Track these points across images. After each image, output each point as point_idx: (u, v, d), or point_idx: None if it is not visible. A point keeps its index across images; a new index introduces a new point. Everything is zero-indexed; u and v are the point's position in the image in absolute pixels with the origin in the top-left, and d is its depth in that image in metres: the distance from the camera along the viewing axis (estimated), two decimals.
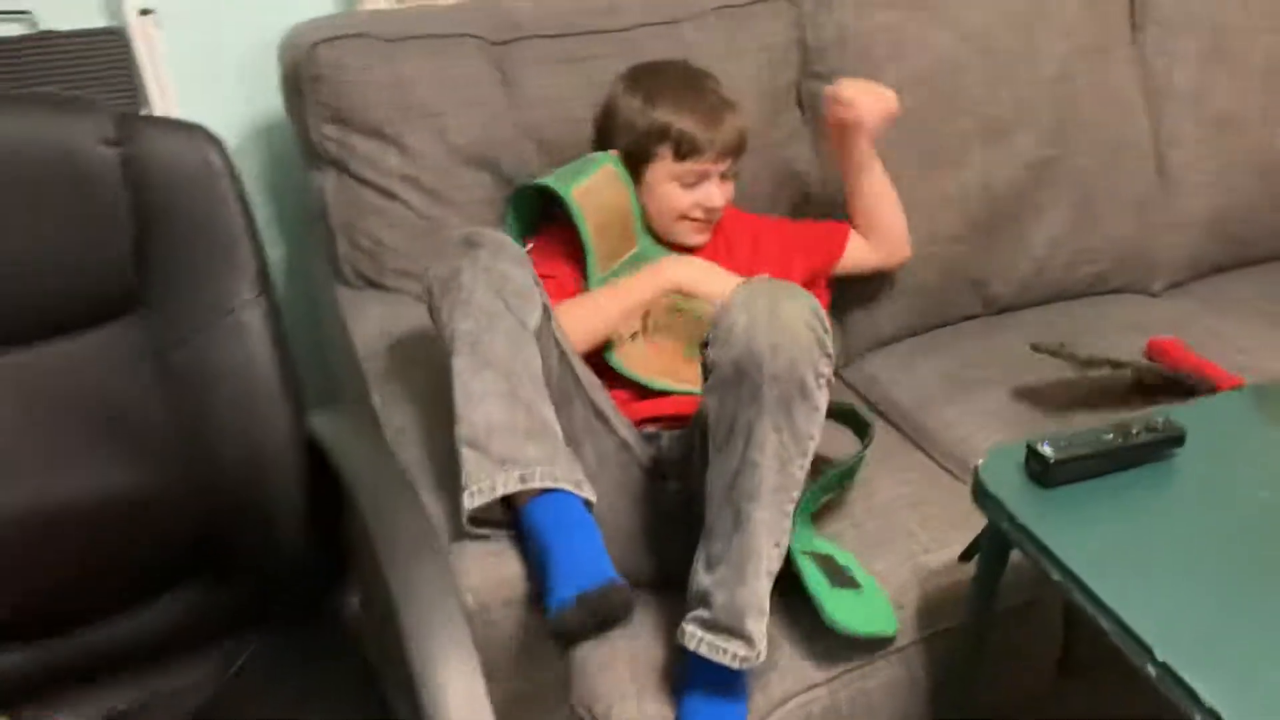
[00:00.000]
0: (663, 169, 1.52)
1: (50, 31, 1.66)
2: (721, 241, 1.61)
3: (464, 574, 1.13)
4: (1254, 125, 1.98)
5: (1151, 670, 0.93)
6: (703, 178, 1.52)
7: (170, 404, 1.17)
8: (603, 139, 1.58)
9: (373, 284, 1.59)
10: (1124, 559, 1.02)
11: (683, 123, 1.50)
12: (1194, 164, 1.97)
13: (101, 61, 1.67)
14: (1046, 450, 1.09)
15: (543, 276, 1.36)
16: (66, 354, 1.14)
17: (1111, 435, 1.11)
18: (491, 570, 1.13)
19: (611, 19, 1.67)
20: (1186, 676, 0.90)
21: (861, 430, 1.45)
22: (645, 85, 1.54)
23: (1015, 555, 1.13)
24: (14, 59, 1.64)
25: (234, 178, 1.17)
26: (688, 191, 1.53)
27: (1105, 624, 0.98)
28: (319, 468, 1.21)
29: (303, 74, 1.54)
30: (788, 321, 1.12)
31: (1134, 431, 1.12)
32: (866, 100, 1.54)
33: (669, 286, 1.46)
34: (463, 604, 1.06)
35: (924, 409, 1.68)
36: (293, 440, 1.20)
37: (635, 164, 1.54)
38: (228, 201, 1.17)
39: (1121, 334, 1.77)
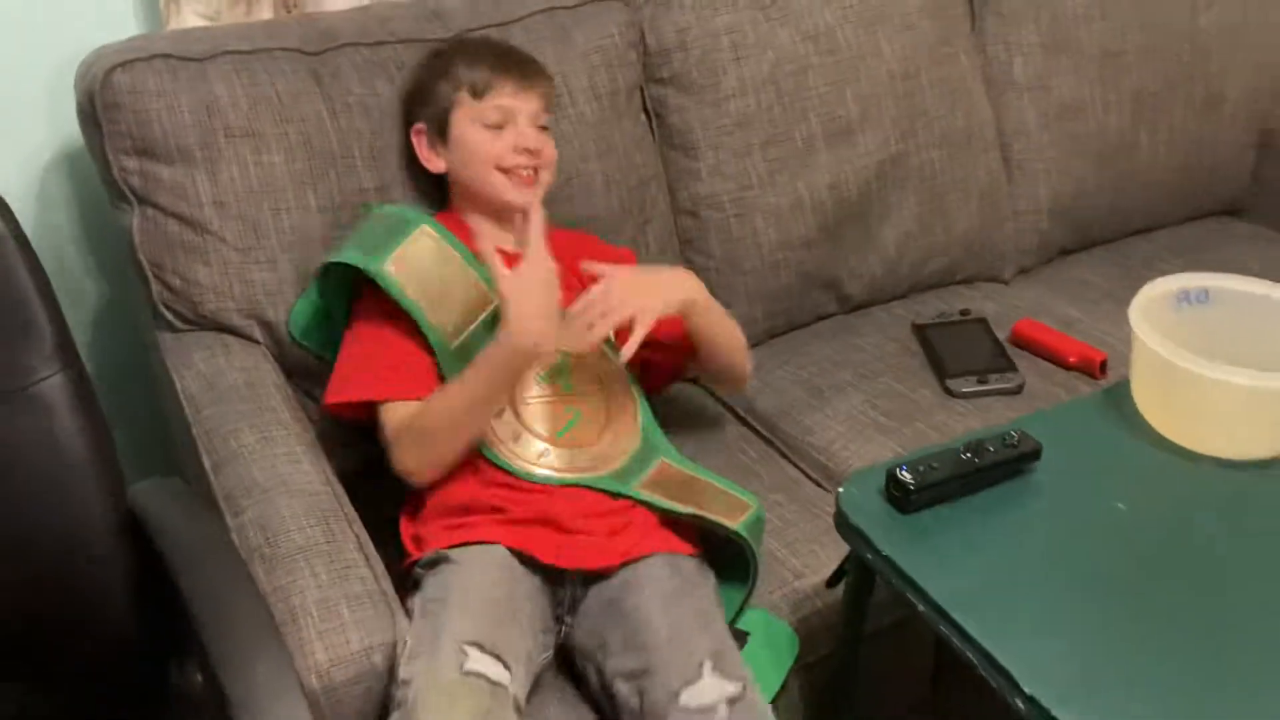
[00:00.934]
0: (464, 115, 1.42)
1: None
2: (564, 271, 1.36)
3: (307, 653, 1.05)
4: (1093, 112, 2.00)
5: (1019, 704, 0.91)
6: (509, 116, 1.41)
7: None
8: (408, 117, 1.49)
9: (193, 325, 1.48)
10: (987, 586, 1.00)
11: (475, 61, 1.43)
12: (1037, 152, 1.98)
13: None
14: (906, 477, 1.06)
15: (390, 368, 1.31)
16: None
17: (969, 455, 1.10)
18: (336, 647, 1.06)
19: (436, 25, 1.59)
20: (1053, 709, 0.89)
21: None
22: (440, 49, 1.49)
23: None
24: None
25: (22, 243, 1.06)
26: (496, 135, 1.41)
27: (971, 656, 0.96)
28: (148, 542, 1.12)
29: (98, 103, 1.42)
30: None
31: (991, 449, 1.10)
32: (636, 297, 1.34)
33: (526, 351, 1.27)
34: (305, 690, 0.98)
35: (785, 416, 1.66)
36: (110, 519, 1.10)
37: (441, 128, 1.44)
38: (16, 270, 1.06)
39: None
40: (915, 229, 1.88)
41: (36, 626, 1.10)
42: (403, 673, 1.06)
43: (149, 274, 1.46)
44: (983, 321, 1.80)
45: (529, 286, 1.25)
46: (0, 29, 1.58)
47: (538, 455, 1.32)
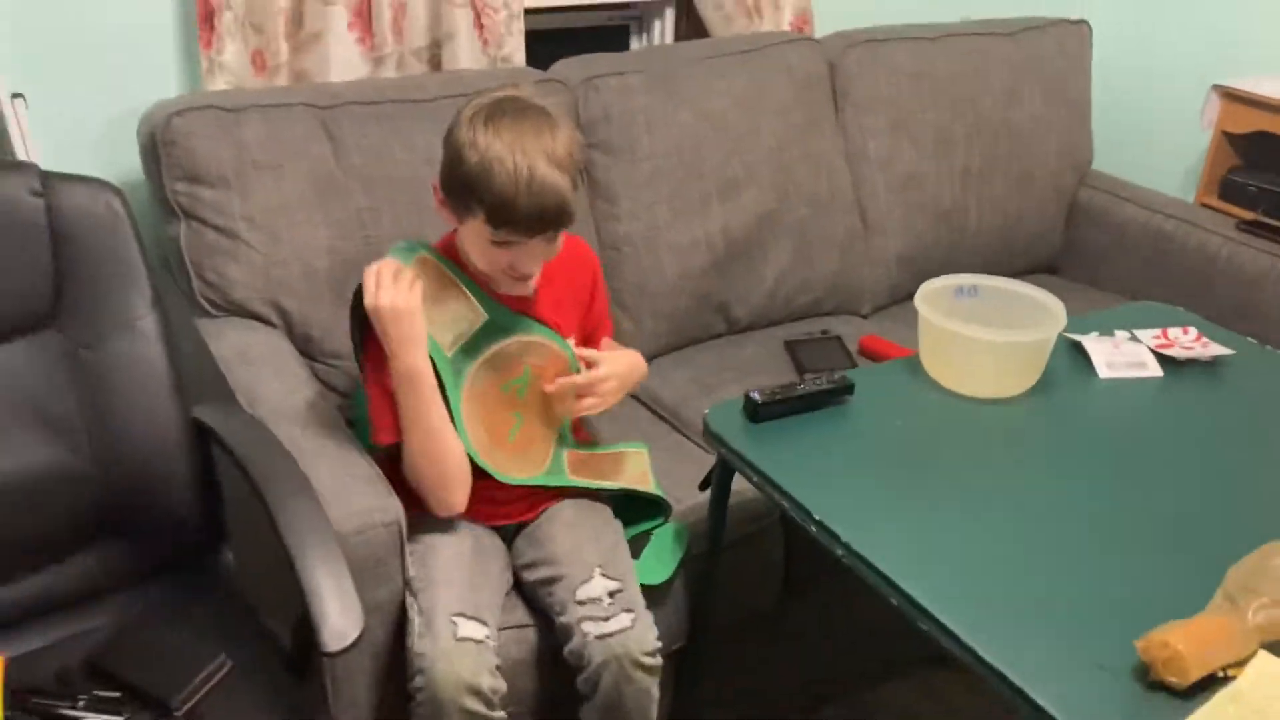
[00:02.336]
0: (476, 227, 1.51)
1: None
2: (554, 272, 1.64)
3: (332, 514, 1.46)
4: (929, 182, 2.53)
5: (812, 528, 1.36)
6: (517, 244, 1.52)
7: (83, 396, 1.47)
8: (442, 172, 1.56)
9: (224, 311, 1.90)
10: (806, 466, 1.46)
11: (497, 189, 1.45)
12: (886, 213, 2.50)
13: None
14: (755, 396, 1.52)
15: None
16: (3, 357, 1.43)
17: (802, 385, 1.56)
18: (348, 509, 1.48)
19: (418, 92, 2.06)
20: (833, 526, 1.33)
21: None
22: (475, 131, 1.48)
23: (743, 493, 1.55)
24: None
25: (132, 220, 1.50)
26: (503, 251, 1.53)
27: (787, 505, 1.40)
28: (203, 449, 1.53)
29: (159, 140, 1.86)
30: None
31: (818, 383, 1.57)
32: (619, 393, 1.70)
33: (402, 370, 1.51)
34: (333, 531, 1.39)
35: (682, 404, 2.12)
36: (181, 424, 1.52)
37: (458, 210, 1.54)
38: (128, 238, 1.49)
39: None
40: (789, 268, 2.37)
41: (127, 502, 1.50)
42: (415, 647, 1.47)
43: (191, 271, 1.89)
44: (838, 339, 2.28)
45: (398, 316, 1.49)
46: (71, 86, 2.03)
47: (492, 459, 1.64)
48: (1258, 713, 1.10)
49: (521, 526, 1.71)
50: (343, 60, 2.13)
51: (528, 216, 1.47)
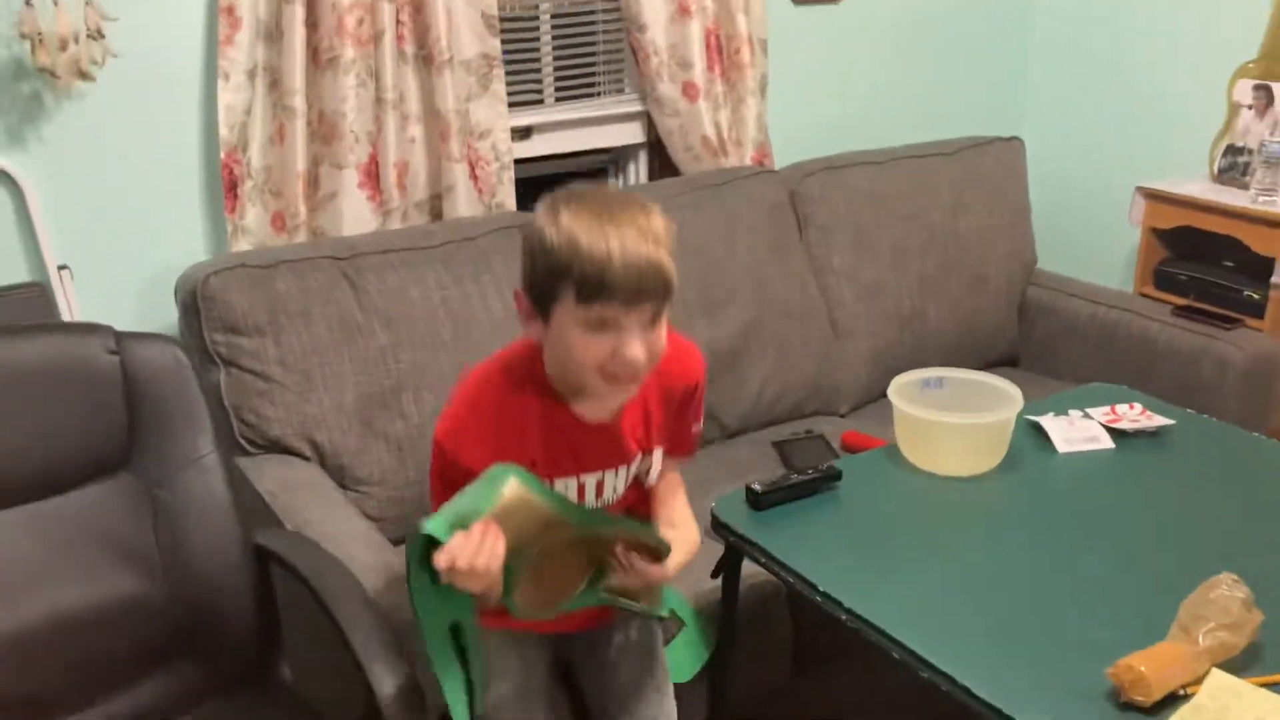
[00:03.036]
0: (567, 313, 1.34)
1: None
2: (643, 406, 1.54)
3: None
4: (890, 290, 2.77)
5: (818, 598, 1.53)
6: (615, 325, 1.34)
7: (156, 530, 1.64)
8: (525, 270, 1.42)
9: (262, 450, 2.08)
10: (806, 545, 1.64)
11: (585, 258, 1.30)
12: (854, 320, 2.73)
13: (31, 307, 2.14)
14: (756, 487, 1.71)
15: None
16: (86, 498, 1.60)
17: (797, 475, 1.75)
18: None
19: (425, 239, 2.28)
20: (836, 595, 1.51)
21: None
22: (557, 213, 1.34)
23: (752, 578, 1.73)
24: None
25: (193, 370, 1.69)
26: (600, 339, 1.35)
27: (793, 580, 1.58)
28: (262, 572, 1.70)
29: (199, 297, 2.07)
30: None
31: (810, 472, 1.76)
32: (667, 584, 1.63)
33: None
34: (390, 630, 1.56)
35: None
36: (244, 550, 1.69)
37: (545, 306, 1.38)
38: (190, 386, 1.68)
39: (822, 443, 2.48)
40: (771, 375, 2.58)
41: (196, 625, 1.66)
42: None
43: (231, 414, 2.07)
44: (821, 436, 2.48)
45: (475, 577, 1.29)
46: (111, 255, 2.24)
47: None
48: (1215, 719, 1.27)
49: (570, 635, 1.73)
50: (355, 216, 2.36)
51: (624, 281, 1.30)
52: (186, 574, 1.65)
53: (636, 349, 1.35)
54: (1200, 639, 1.35)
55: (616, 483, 1.59)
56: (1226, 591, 1.39)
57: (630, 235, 1.31)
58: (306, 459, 2.09)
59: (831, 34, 3.06)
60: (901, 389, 1.90)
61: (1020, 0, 3.36)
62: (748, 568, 1.76)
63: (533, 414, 1.47)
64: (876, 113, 3.17)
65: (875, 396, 2.78)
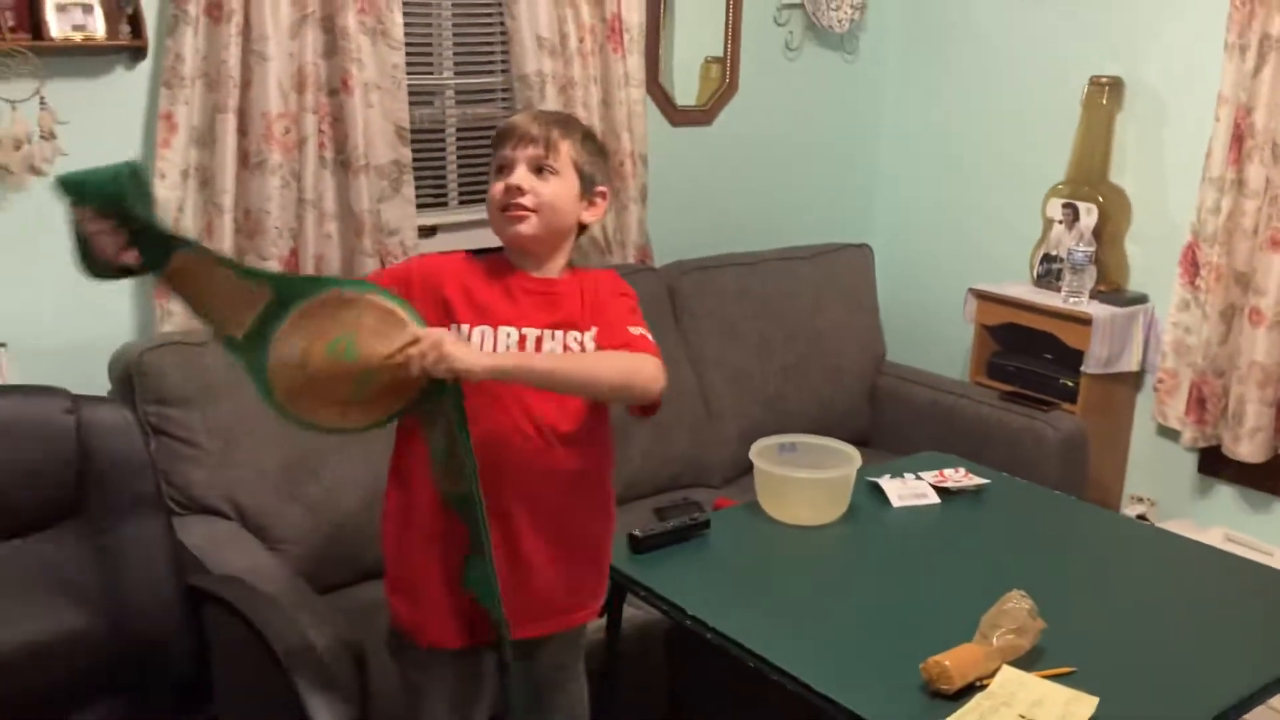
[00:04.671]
0: (491, 166, 1.75)
1: None
2: (565, 299, 1.74)
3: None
4: (756, 377, 3.11)
5: (687, 621, 1.81)
6: (509, 165, 1.71)
7: (100, 571, 1.83)
8: None
9: (188, 510, 2.28)
10: (679, 580, 1.92)
11: (508, 120, 1.75)
12: (723, 402, 3.06)
13: None
14: (637, 533, 1.99)
15: None
16: (37, 542, 1.80)
17: (672, 522, 2.04)
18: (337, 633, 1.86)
19: None
20: (703, 617, 1.79)
21: None
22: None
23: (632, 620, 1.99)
24: None
25: (144, 429, 1.91)
26: (499, 180, 1.71)
27: (667, 609, 1.85)
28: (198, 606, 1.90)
29: (133, 372, 2.28)
30: None
31: (682, 520, 2.05)
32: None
33: None
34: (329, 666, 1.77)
35: None
36: (179, 591, 1.89)
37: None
38: (136, 445, 1.90)
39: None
40: (650, 449, 2.87)
41: (132, 660, 1.84)
42: None
43: (159, 480, 2.27)
44: (697, 503, 2.76)
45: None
46: (46, 334, 2.44)
47: None
48: (1003, 704, 1.58)
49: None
50: None
51: (516, 129, 1.70)
52: (125, 612, 1.85)
53: (519, 176, 1.69)
54: (994, 641, 1.67)
55: (554, 346, 1.71)
56: (1016, 604, 1.72)
57: (539, 112, 1.80)
58: (229, 519, 2.29)
59: (704, 150, 3.45)
60: (762, 451, 2.21)
61: (868, 127, 3.82)
62: (628, 612, 2.03)
63: (477, 271, 1.76)
64: (745, 219, 3.55)
65: (744, 470, 3.07)
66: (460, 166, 3.08)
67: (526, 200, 1.68)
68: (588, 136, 1.76)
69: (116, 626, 1.83)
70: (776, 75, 3.55)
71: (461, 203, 3.09)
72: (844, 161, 3.81)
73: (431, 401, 1.58)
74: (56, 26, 2.26)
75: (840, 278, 3.35)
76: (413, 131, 2.79)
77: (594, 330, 1.73)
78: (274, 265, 2.58)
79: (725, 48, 3.43)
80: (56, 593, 1.80)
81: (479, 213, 3.07)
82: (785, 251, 3.33)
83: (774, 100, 3.56)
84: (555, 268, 1.77)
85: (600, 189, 1.78)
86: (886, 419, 3.36)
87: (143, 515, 1.88)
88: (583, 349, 1.72)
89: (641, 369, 1.71)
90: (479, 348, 1.66)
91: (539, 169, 1.70)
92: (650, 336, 1.78)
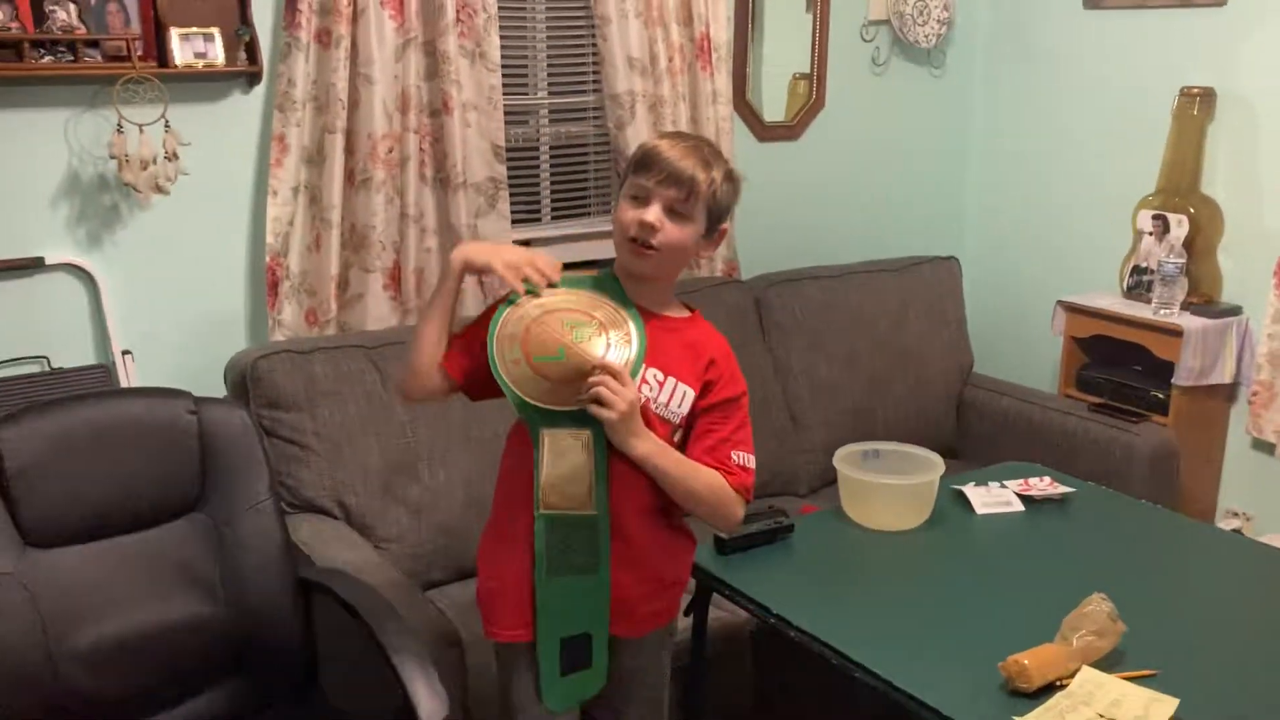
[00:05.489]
0: (625, 188, 1.74)
1: (60, 368, 2.47)
2: (670, 339, 1.75)
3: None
4: (842, 389, 3.15)
5: (771, 619, 1.86)
6: (645, 196, 1.70)
7: (222, 561, 1.96)
8: None
9: (298, 509, 2.41)
10: (763, 580, 1.98)
11: (647, 148, 1.72)
12: (810, 414, 3.10)
13: (97, 385, 2.47)
14: (723, 536, 2.06)
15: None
16: (165, 533, 1.93)
17: (756, 525, 2.10)
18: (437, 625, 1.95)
19: None
20: (786, 615, 1.84)
21: None
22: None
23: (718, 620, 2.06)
24: (36, 387, 2.42)
25: (258, 430, 2.03)
26: (633, 208, 1.71)
27: (752, 608, 1.91)
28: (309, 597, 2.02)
29: (248, 378, 2.42)
30: None
31: (767, 523, 2.11)
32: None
33: (459, 267, 1.74)
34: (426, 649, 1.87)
35: None
36: (292, 581, 2.00)
37: (620, 191, 1.76)
38: (253, 443, 2.03)
39: None
40: None
41: (249, 643, 1.96)
42: None
43: (273, 478, 2.40)
44: (783, 510, 2.80)
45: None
46: (167, 343, 2.59)
47: None
48: (1082, 702, 1.60)
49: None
50: (378, 313, 2.74)
51: (662, 162, 1.68)
52: (244, 601, 1.96)
53: (653, 215, 1.69)
54: (1074, 643, 1.70)
55: (667, 398, 1.74)
56: (1097, 606, 1.74)
57: (685, 145, 1.72)
58: (335, 518, 2.42)
59: (792, 165, 3.51)
60: (845, 457, 2.26)
61: (955, 140, 3.84)
62: (714, 613, 2.09)
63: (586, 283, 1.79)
64: (831, 233, 3.60)
65: (829, 481, 3.11)
66: (554, 182, 3.18)
67: (654, 239, 1.70)
68: (728, 176, 1.76)
69: (235, 613, 1.95)
70: (863, 90, 3.60)
71: (554, 218, 3.20)
72: (931, 175, 3.83)
73: (578, 422, 1.68)
74: (180, 55, 2.42)
75: (927, 290, 3.38)
76: (508, 149, 2.90)
77: (693, 394, 1.77)
78: (378, 277, 2.71)
79: (812, 64, 3.49)
80: (183, 580, 1.93)
81: (571, 227, 3.18)
82: (871, 264, 3.37)
83: (861, 115, 3.61)
84: (666, 298, 1.81)
85: (723, 226, 1.80)
86: (973, 431, 3.37)
87: (259, 511, 1.99)
88: (680, 402, 1.76)
89: (729, 511, 1.79)
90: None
91: (673, 209, 1.70)
92: (751, 457, 1.87)
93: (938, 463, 2.23)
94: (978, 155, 3.87)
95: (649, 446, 1.69)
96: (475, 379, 1.77)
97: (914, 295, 3.35)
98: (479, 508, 2.31)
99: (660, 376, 1.74)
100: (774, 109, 3.49)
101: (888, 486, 2.16)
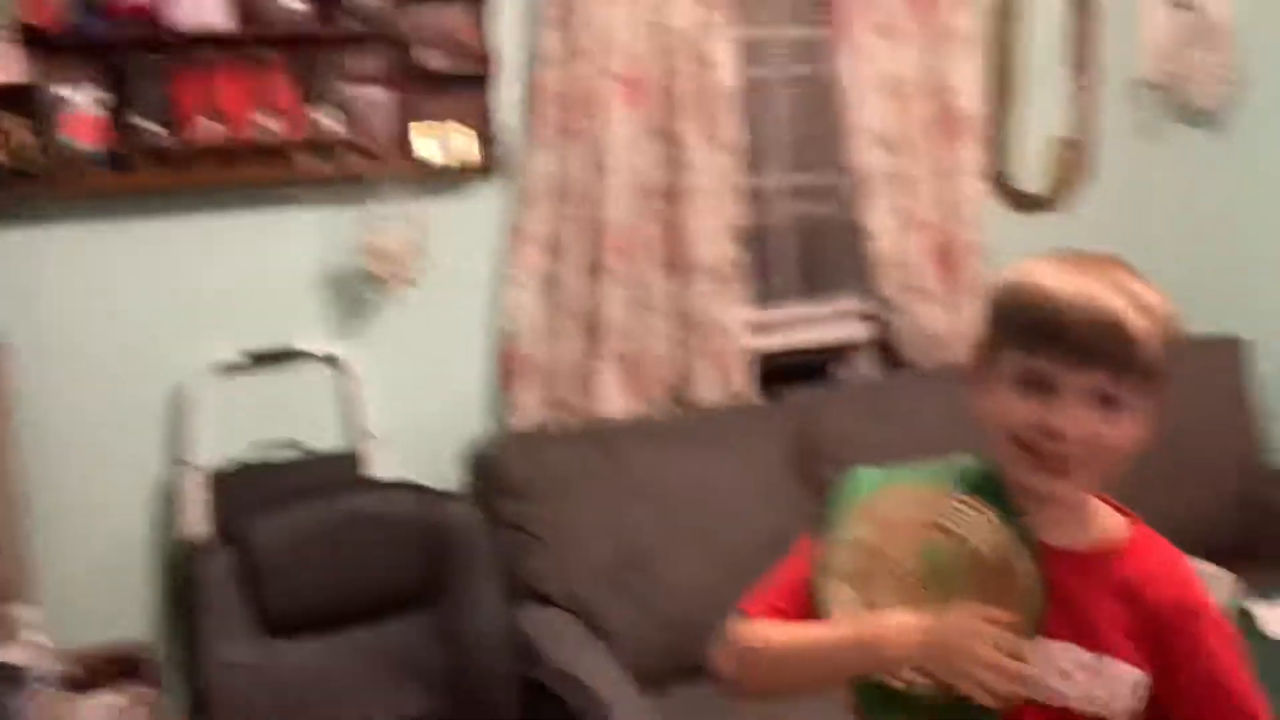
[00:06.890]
0: (1000, 367, 1.12)
1: (313, 452, 2.57)
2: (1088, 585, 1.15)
3: None
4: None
5: None
6: (1050, 387, 1.09)
7: (447, 656, 1.96)
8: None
9: (528, 599, 2.39)
10: None
11: (1030, 295, 1.11)
12: None
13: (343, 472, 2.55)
14: None
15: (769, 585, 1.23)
16: (397, 626, 1.96)
17: None
18: None
19: (675, 421, 2.62)
20: None
21: None
22: (1023, 268, 1.14)
23: None
24: (290, 472, 2.51)
25: (492, 525, 2.04)
26: (1026, 401, 1.09)
27: None
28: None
29: (484, 466, 2.45)
30: None
31: None
32: None
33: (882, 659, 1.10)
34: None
35: None
36: (515, 680, 1.98)
37: (986, 368, 1.14)
38: (483, 542, 2.04)
39: None
40: None
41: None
42: None
43: (505, 575, 2.40)
44: None
45: (975, 630, 1.06)
46: (409, 424, 2.66)
47: None
48: None
49: None
50: (614, 401, 2.72)
51: (1070, 329, 1.07)
52: (469, 697, 1.96)
53: (1072, 419, 1.07)
54: None
55: (1060, 665, 1.13)
56: None
57: (1097, 285, 1.09)
58: (564, 609, 2.39)
59: (1052, 238, 3.24)
60: None
61: (1242, 210, 3.49)
62: None
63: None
64: None
65: None
66: (797, 262, 3.10)
67: (1076, 449, 1.09)
68: (1168, 329, 1.13)
69: (464, 709, 1.95)
70: (1135, 157, 3.33)
71: (793, 298, 3.11)
72: (1212, 248, 3.48)
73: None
74: (428, 151, 2.51)
75: (1203, 372, 3.06)
76: (745, 230, 2.84)
77: (1140, 676, 1.14)
78: (614, 364, 2.70)
79: (1076, 129, 3.27)
80: (411, 674, 1.95)
81: (810, 308, 3.08)
82: None
83: (1132, 184, 3.33)
84: (1083, 515, 1.19)
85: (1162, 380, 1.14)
86: (1267, 530, 3.01)
87: (487, 607, 2.00)
88: (1121, 691, 1.14)
89: None
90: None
91: (1103, 398, 1.09)
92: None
93: (1222, 580, 1.97)
94: (1270, 226, 3.49)
95: None
96: None
97: (1188, 377, 3.01)
98: (710, 603, 2.23)
99: (1083, 658, 1.14)
100: (1031, 178, 3.28)
101: None
